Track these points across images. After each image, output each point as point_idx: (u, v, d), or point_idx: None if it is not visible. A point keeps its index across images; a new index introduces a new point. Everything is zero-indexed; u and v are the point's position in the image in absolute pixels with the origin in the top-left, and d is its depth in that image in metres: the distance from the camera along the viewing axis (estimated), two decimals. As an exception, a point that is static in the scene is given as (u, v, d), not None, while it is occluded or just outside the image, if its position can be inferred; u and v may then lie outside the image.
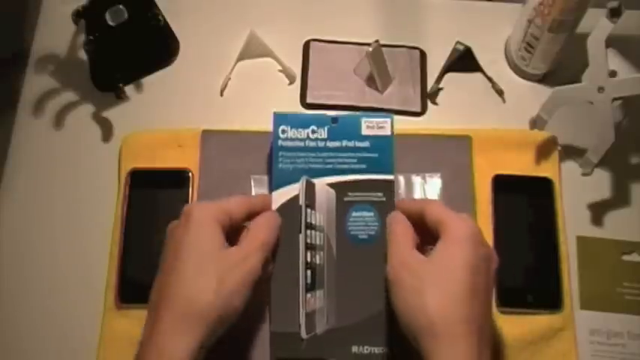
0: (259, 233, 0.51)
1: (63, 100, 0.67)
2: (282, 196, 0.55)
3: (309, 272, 0.53)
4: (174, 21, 0.69)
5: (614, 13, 0.56)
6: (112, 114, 0.66)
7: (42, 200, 0.63)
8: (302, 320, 0.52)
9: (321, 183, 0.56)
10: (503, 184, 0.62)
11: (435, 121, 0.66)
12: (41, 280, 0.61)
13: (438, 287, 0.45)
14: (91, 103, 0.67)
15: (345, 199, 0.56)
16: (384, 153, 0.56)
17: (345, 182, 0.56)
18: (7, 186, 0.64)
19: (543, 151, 0.64)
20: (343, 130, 0.57)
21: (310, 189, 0.55)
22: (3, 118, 0.66)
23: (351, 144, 0.56)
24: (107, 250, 0.60)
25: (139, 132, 0.64)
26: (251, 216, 0.52)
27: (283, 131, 0.56)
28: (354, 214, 0.55)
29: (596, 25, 0.57)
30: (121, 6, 0.63)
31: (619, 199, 0.64)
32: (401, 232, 0.50)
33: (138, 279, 0.57)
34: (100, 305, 0.58)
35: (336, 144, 0.56)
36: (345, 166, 0.56)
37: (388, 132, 0.57)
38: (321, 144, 0.56)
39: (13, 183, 0.64)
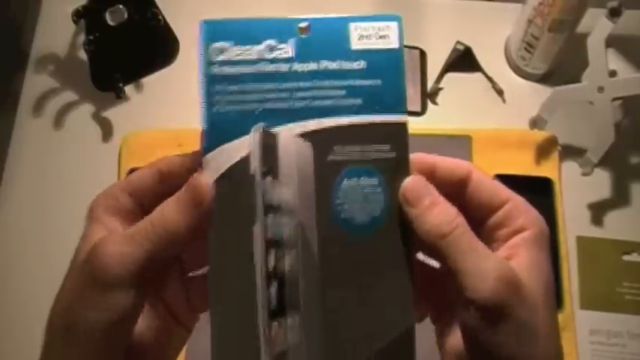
0: (153, 219, 0.32)
1: (63, 100, 0.67)
2: (221, 160, 0.31)
3: (273, 287, 0.31)
4: (174, 21, 0.69)
5: (614, 13, 0.56)
6: (112, 114, 0.66)
7: (42, 200, 0.63)
8: None
9: (289, 133, 0.32)
10: (503, 184, 0.62)
11: (435, 121, 0.66)
12: (41, 279, 0.60)
13: (551, 328, 0.31)
14: (91, 103, 0.67)
15: (331, 158, 0.33)
16: (389, 78, 0.33)
17: (330, 129, 0.32)
18: (7, 185, 0.64)
19: (543, 151, 0.64)
20: (321, 43, 0.33)
21: (269, 145, 0.32)
22: (3, 118, 0.66)
23: (335, 65, 0.33)
24: (107, 250, 0.60)
25: (138, 132, 0.64)
26: (176, 177, 0.33)
27: (220, 50, 0.34)
28: (346, 182, 0.33)
29: (596, 25, 0.58)
30: (120, 6, 0.63)
31: (619, 199, 0.64)
32: (460, 220, 0.32)
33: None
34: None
35: (311, 66, 0.33)
36: (328, 103, 0.33)
37: (395, 43, 0.33)
38: (284, 68, 0.33)
39: (13, 183, 0.64)
